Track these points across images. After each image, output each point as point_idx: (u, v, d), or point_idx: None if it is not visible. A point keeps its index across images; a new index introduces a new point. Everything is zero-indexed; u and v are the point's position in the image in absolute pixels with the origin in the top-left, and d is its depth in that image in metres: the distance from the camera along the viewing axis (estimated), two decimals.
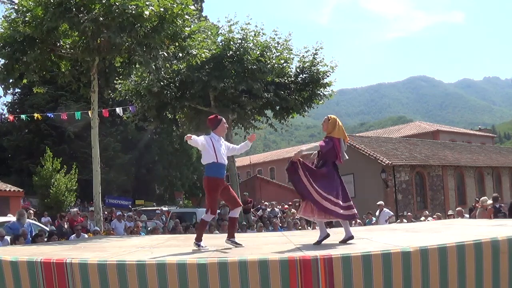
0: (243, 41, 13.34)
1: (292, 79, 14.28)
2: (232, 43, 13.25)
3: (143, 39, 8.97)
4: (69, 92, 24.22)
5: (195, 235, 5.34)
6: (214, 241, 6.11)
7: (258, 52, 13.34)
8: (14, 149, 27.48)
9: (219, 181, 5.35)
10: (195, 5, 12.19)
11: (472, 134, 44.56)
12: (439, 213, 14.86)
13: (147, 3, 8.50)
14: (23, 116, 17.01)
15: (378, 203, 14.14)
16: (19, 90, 27.77)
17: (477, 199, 14.15)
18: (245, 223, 12.69)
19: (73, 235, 9.41)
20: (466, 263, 3.88)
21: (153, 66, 9.31)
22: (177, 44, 9.64)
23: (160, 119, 15.35)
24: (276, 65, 13.57)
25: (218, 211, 15.55)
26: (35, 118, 17.01)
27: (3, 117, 25.85)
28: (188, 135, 5.26)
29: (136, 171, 31.73)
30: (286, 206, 17.85)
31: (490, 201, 11.06)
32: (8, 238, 8.30)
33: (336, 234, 5.33)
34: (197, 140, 5.24)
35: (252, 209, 15.90)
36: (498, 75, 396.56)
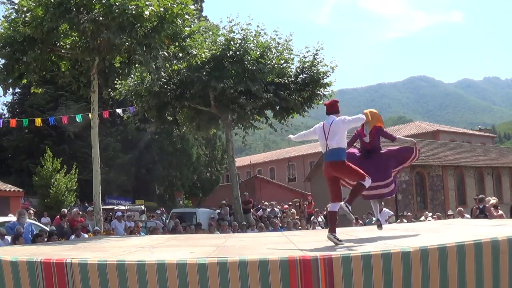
0: (244, 42, 13.36)
1: (292, 79, 14.29)
2: (232, 43, 13.26)
3: (143, 39, 8.97)
4: (69, 92, 24.22)
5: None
6: (214, 241, 6.12)
7: (258, 53, 13.35)
8: (14, 149, 27.48)
9: None
10: (195, 5, 12.21)
11: (472, 134, 44.55)
12: (439, 213, 14.84)
13: (147, 3, 8.50)
14: (24, 122, 16.95)
15: None
16: (19, 90, 27.77)
17: (475, 198, 14.17)
18: (245, 223, 12.68)
19: (73, 235, 9.39)
20: (466, 263, 3.87)
21: (153, 66, 9.31)
22: (177, 44, 9.65)
23: (161, 120, 15.37)
24: (276, 65, 13.58)
25: (218, 211, 15.57)
26: (36, 124, 16.97)
27: (3, 118, 25.78)
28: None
29: (136, 171, 31.72)
30: (286, 206, 17.83)
31: (493, 201, 11.15)
32: (8, 238, 8.30)
33: (339, 234, 5.30)
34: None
35: (252, 209, 15.89)
36: (498, 75, 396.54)
